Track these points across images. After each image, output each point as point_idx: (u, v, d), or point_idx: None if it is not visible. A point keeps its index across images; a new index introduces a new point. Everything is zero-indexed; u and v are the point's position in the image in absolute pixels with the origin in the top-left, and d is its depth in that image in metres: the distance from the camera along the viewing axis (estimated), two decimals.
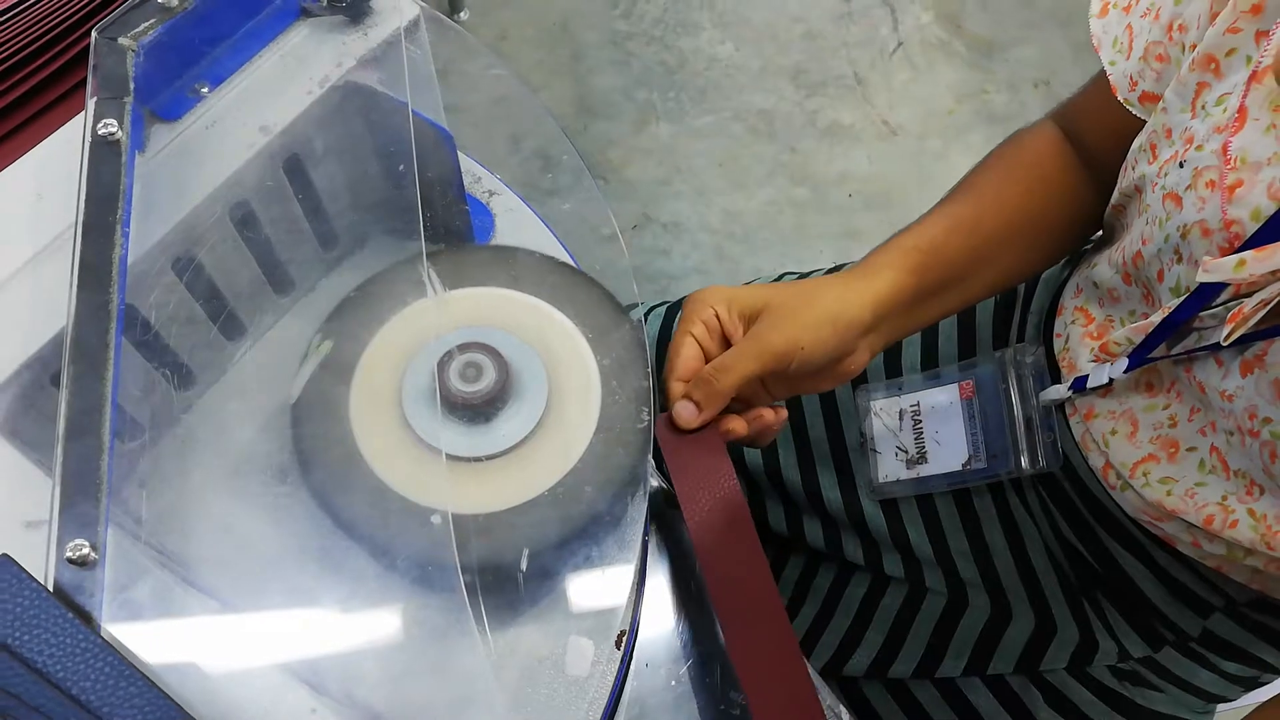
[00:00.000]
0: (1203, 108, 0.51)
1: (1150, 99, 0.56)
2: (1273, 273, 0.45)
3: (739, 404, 0.54)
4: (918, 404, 0.68)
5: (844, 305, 0.54)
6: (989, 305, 0.73)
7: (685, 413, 0.51)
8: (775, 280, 0.81)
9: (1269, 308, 0.46)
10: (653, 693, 0.55)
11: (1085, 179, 0.63)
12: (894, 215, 1.62)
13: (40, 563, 0.36)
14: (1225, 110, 0.49)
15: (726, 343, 0.54)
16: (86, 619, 0.34)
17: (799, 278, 0.80)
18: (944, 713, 0.67)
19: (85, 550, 0.36)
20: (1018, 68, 1.80)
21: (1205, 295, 0.49)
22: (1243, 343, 0.48)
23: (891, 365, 0.74)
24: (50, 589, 0.35)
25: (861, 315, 0.55)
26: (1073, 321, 0.63)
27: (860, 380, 0.75)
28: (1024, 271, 0.64)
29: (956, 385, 0.67)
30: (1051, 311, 0.67)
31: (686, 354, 0.53)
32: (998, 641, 0.66)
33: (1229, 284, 0.48)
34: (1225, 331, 0.47)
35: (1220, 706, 0.70)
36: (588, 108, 1.72)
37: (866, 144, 1.71)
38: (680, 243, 1.60)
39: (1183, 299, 0.51)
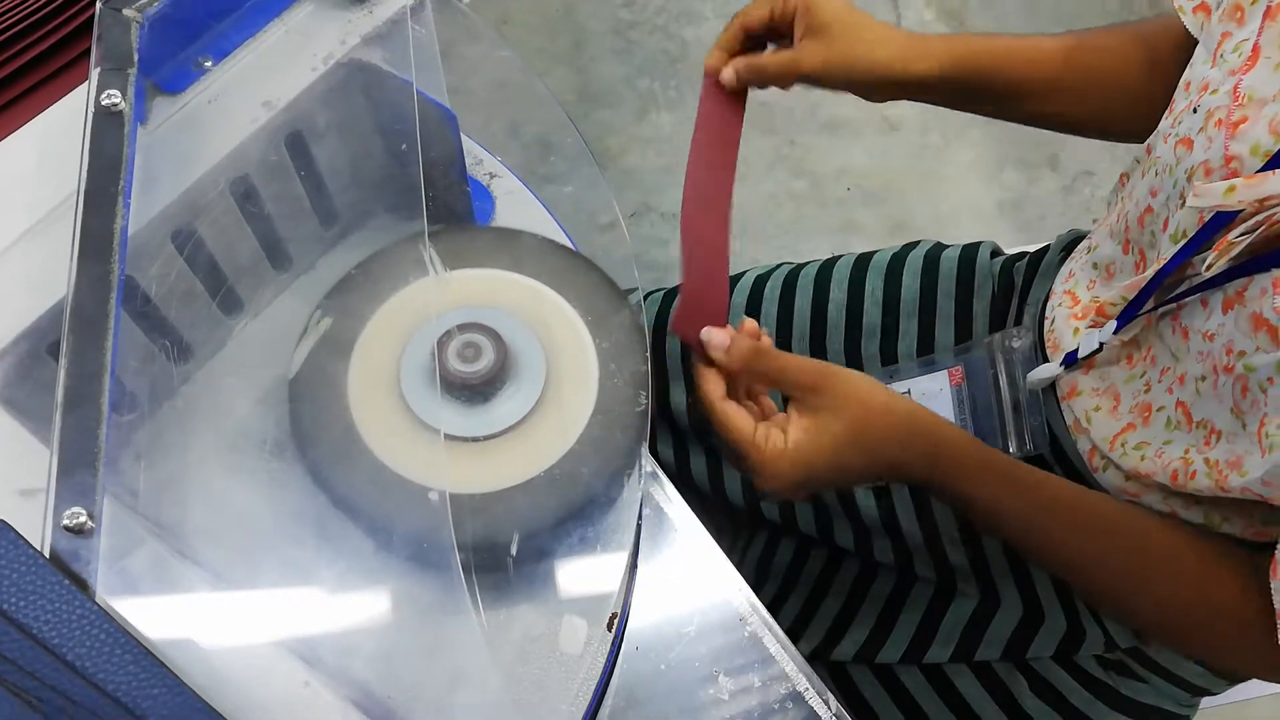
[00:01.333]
0: (1221, 56, 0.52)
1: (1204, 9, 0.57)
2: (1261, 201, 0.45)
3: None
4: (909, 391, 0.69)
5: (872, 61, 0.60)
6: (986, 294, 0.74)
7: (726, 74, 0.61)
8: (774, 268, 0.81)
9: (1253, 237, 0.46)
10: (642, 676, 0.55)
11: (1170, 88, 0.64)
12: (893, 210, 1.62)
13: (35, 530, 0.36)
14: (1239, 55, 0.50)
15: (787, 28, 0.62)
16: (82, 586, 0.34)
17: (794, 268, 0.80)
18: (930, 699, 0.67)
19: (82, 518, 0.36)
20: None
21: (1200, 239, 0.50)
22: (1225, 282, 0.48)
23: (888, 354, 0.74)
24: (46, 556, 0.35)
25: (882, 75, 0.61)
26: (1060, 305, 0.64)
27: (855, 366, 0.75)
28: (1064, 124, 0.66)
29: (946, 372, 0.68)
30: (1048, 300, 0.67)
31: (760, 9, 0.61)
32: (985, 629, 0.67)
33: (1223, 226, 0.48)
34: (1209, 260, 0.47)
35: (1204, 700, 0.71)
36: (589, 95, 1.72)
37: (866, 138, 1.71)
38: (678, 232, 1.60)
39: (1180, 245, 0.51)
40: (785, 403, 0.54)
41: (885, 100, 0.64)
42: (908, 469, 0.54)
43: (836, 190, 1.66)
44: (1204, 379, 0.51)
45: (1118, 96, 0.65)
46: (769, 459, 0.52)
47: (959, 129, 1.73)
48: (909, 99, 0.64)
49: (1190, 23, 0.58)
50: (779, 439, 0.52)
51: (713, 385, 0.54)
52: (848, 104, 1.76)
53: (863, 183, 1.67)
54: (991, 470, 0.55)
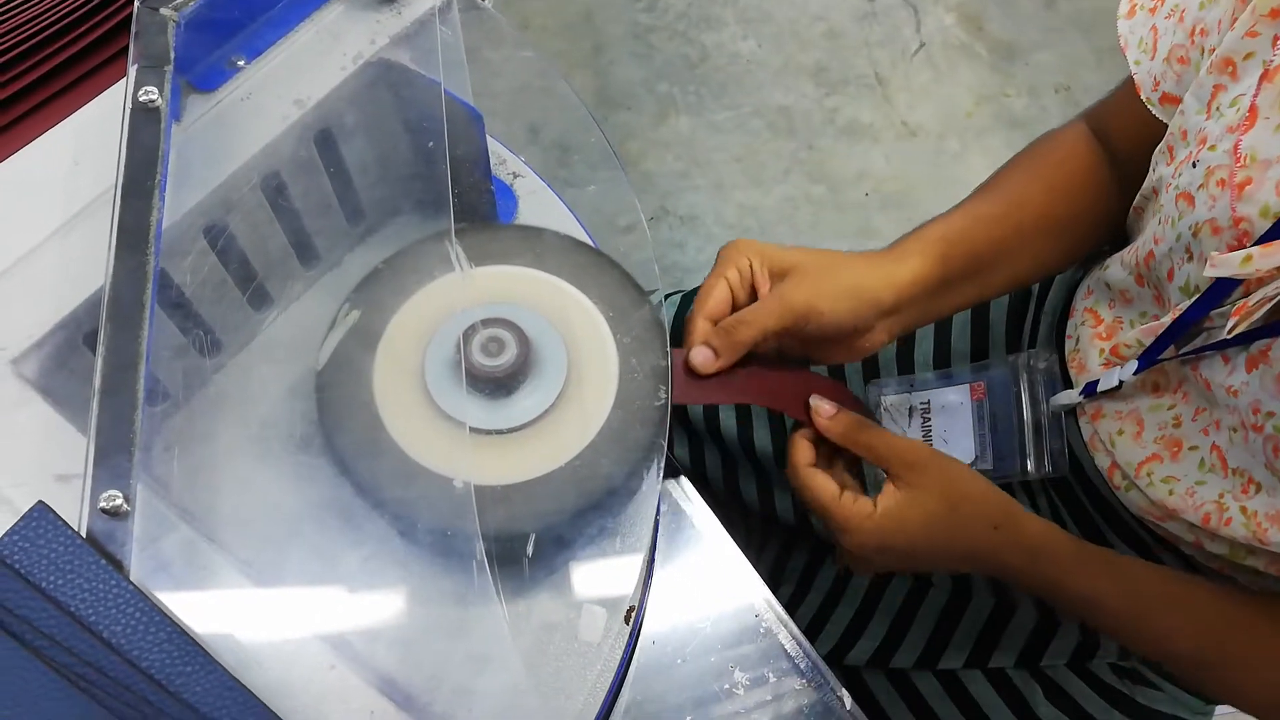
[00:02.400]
0: (1217, 109, 0.52)
1: (1170, 100, 0.57)
2: (1279, 268, 0.45)
3: (754, 365, 0.56)
4: (928, 402, 0.69)
5: (866, 281, 0.56)
6: (1003, 304, 0.74)
7: (700, 358, 0.54)
8: None
9: (1273, 303, 0.46)
10: (658, 669, 0.56)
11: (1111, 179, 0.64)
12: (910, 215, 1.63)
13: (71, 513, 0.37)
14: (1238, 110, 0.50)
15: (754, 293, 0.56)
16: (118, 566, 0.35)
17: None
18: (944, 704, 0.68)
19: (118, 501, 0.37)
20: (1039, 72, 1.80)
21: (1216, 296, 0.50)
22: (1248, 340, 0.48)
23: (904, 361, 0.74)
24: (84, 537, 0.36)
25: (882, 295, 0.56)
26: (1083, 323, 0.64)
27: (872, 374, 0.75)
28: (1046, 267, 0.65)
29: (968, 386, 0.68)
30: (1065, 312, 0.67)
31: (717, 296, 0.55)
32: (1001, 635, 0.67)
33: (1239, 284, 0.49)
34: (1230, 324, 0.48)
35: (1219, 709, 0.71)
36: (608, 99, 1.73)
37: (885, 143, 1.71)
38: (696, 236, 1.61)
39: (1194, 299, 0.51)
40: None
41: (880, 343, 0.59)
42: (1003, 558, 0.55)
43: (854, 195, 1.67)
44: (1235, 431, 0.51)
45: (1087, 204, 0.64)
46: (853, 515, 0.54)
47: (976, 134, 1.74)
48: (904, 329, 0.61)
49: (1161, 114, 0.58)
50: (866, 503, 0.54)
51: (802, 453, 0.56)
52: (866, 109, 1.76)
53: (881, 188, 1.67)
54: (1093, 564, 0.55)
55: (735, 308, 0.56)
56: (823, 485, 0.55)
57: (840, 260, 0.57)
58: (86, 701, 0.33)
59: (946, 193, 1.65)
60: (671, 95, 1.74)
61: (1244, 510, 0.50)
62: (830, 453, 0.58)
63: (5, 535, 0.35)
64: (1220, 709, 0.72)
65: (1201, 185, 0.51)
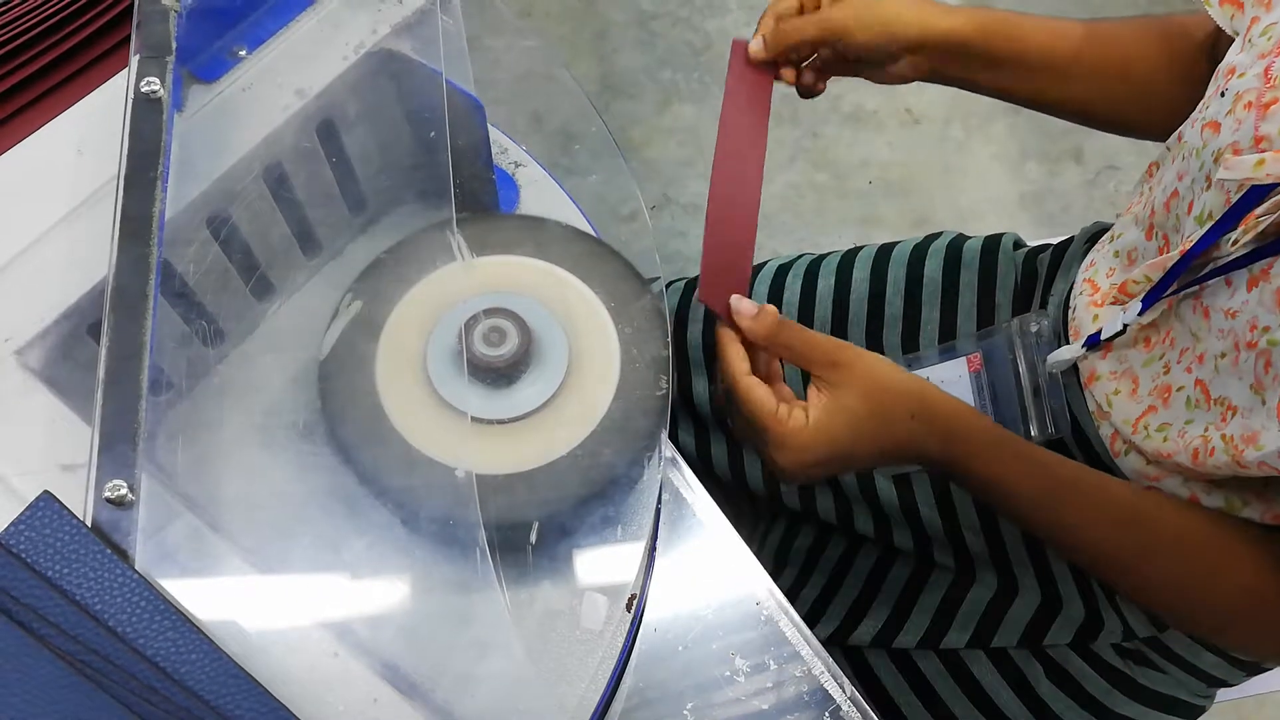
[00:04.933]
0: (1250, 41, 0.53)
1: (1233, 3, 0.57)
2: None
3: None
4: (928, 378, 0.69)
5: (903, 18, 0.62)
6: (1010, 285, 0.74)
7: (754, 45, 0.62)
8: (796, 258, 0.82)
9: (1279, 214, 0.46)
10: (659, 656, 0.56)
11: (1200, 75, 0.63)
12: (914, 203, 1.62)
13: (76, 502, 0.37)
14: (1269, 38, 0.51)
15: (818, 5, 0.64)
16: (123, 555, 0.36)
17: (816, 258, 0.81)
18: (947, 683, 0.68)
19: (123, 491, 0.37)
20: None
21: (1228, 220, 0.50)
22: (1250, 262, 0.49)
23: (909, 342, 0.74)
24: (89, 526, 0.36)
25: (911, 34, 0.62)
26: (1080, 293, 0.64)
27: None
28: (1087, 109, 0.67)
29: (965, 359, 0.68)
30: (1070, 291, 0.68)
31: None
32: (1003, 616, 0.67)
33: (1251, 208, 0.49)
34: (1235, 235, 0.48)
35: (1221, 692, 0.71)
36: (611, 86, 1.73)
37: (889, 131, 1.71)
38: (698, 224, 1.60)
39: (1208, 227, 0.51)
40: (805, 385, 0.55)
41: (908, 75, 0.65)
42: (921, 446, 0.55)
43: (858, 183, 1.66)
44: (1224, 356, 0.51)
45: (1133, 87, 0.65)
46: (790, 432, 0.53)
47: (981, 122, 1.73)
48: (931, 72, 0.65)
49: (1219, 16, 0.58)
50: (800, 415, 0.53)
51: (736, 359, 0.55)
52: (870, 96, 1.75)
53: (885, 175, 1.67)
54: (1005, 449, 0.55)
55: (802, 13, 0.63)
56: (763, 399, 0.53)
57: None
58: (92, 689, 0.33)
59: (951, 180, 1.65)
60: (675, 82, 1.74)
61: (1224, 438, 0.51)
62: (754, 359, 0.57)
63: (11, 525, 0.35)
64: (1222, 693, 0.72)
65: (1229, 111, 0.51)
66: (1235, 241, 0.49)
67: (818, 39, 0.62)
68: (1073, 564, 0.67)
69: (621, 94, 1.72)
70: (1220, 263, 0.51)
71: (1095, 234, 0.72)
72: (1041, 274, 0.73)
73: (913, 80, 0.65)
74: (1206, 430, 0.53)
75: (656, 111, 1.71)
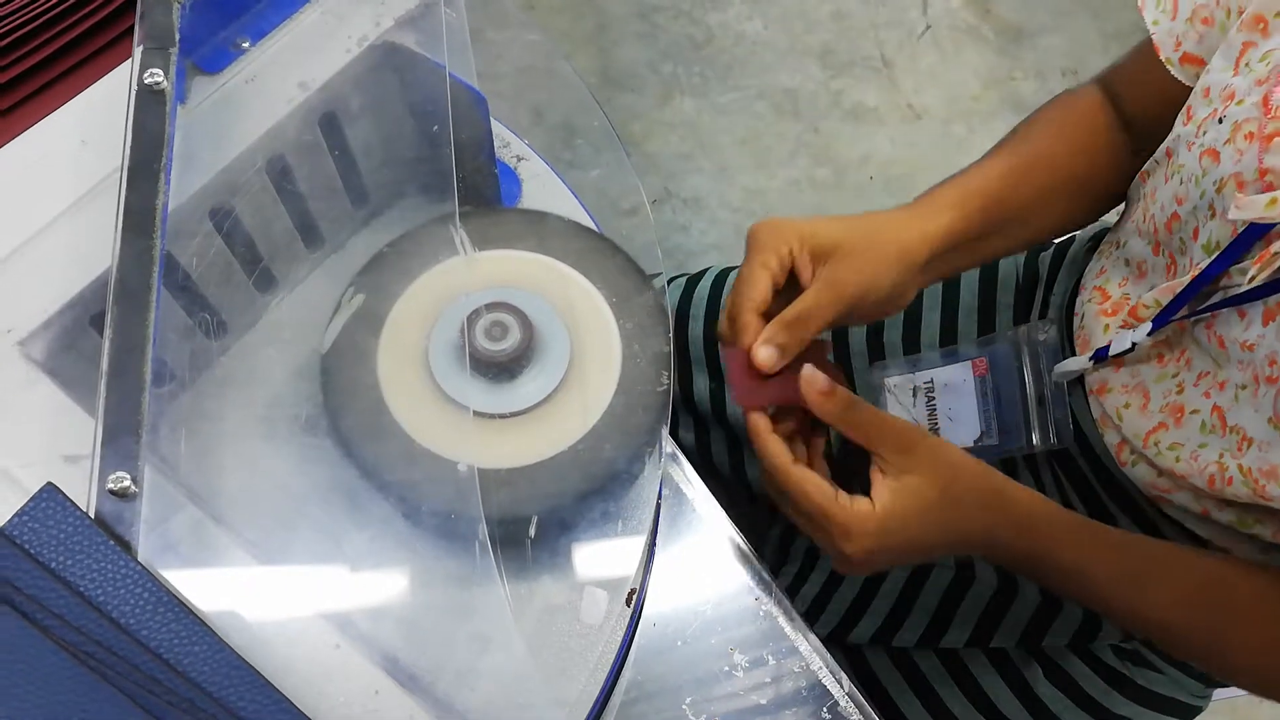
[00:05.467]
0: (1246, 65, 0.52)
1: (1191, 61, 0.57)
2: None
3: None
4: (931, 380, 0.69)
5: (907, 244, 0.56)
6: (1011, 285, 0.74)
7: (768, 358, 0.52)
8: None
9: None
10: (659, 651, 0.56)
11: (1124, 142, 0.64)
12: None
13: (80, 494, 0.37)
14: (1268, 64, 0.50)
15: (793, 277, 0.55)
16: (126, 547, 0.36)
17: None
18: (945, 682, 0.68)
19: (126, 482, 0.37)
20: (1046, 55, 1.79)
21: (1237, 250, 0.50)
22: (1265, 294, 0.49)
23: (910, 342, 0.75)
24: (92, 517, 0.36)
25: (920, 253, 0.56)
26: (1090, 300, 0.64)
27: (876, 356, 0.75)
28: (1064, 225, 0.66)
29: (970, 363, 0.68)
30: (1074, 292, 0.68)
31: (762, 286, 0.54)
32: (1003, 616, 0.67)
33: (1260, 238, 0.49)
34: (1250, 273, 0.48)
35: (1218, 693, 0.71)
36: (612, 79, 1.72)
37: (890, 127, 1.71)
38: (699, 219, 1.61)
39: (1215, 256, 0.51)
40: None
41: (909, 299, 0.59)
42: (993, 535, 0.53)
43: (859, 178, 1.66)
44: (1244, 387, 0.51)
45: (1087, 187, 0.65)
46: (855, 521, 0.50)
47: (982, 118, 1.73)
48: (926, 285, 0.61)
49: (1180, 74, 0.58)
50: (865, 501, 0.51)
51: (780, 453, 0.52)
52: (871, 91, 1.75)
53: (886, 171, 1.67)
54: (1084, 533, 0.54)
55: (775, 293, 0.55)
56: (818, 487, 0.51)
57: (878, 226, 0.56)
58: (95, 680, 0.33)
59: None
60: (676, 76, 1.73)
61: (1241, 469, 0.50)
62: (790, 438, 0.54)
63: (15, 516, 0.35)
64: (1218, 693, 0.72)
65: (1228, 140, 0.51)
66: (1250, 277, 0.48)
67: (837, 317, 0.54)
68: (1158, 646, 0.65)
69: (623, 87, 1.72)
70: (1231, 292, 0.51)
71: (1096, 235, 0.72)
72: (1043, 274, 0.73)
73: (911, 299, 0.59)
74: (1222, 457, 0.52)
75: (657, 106, 1.70)
